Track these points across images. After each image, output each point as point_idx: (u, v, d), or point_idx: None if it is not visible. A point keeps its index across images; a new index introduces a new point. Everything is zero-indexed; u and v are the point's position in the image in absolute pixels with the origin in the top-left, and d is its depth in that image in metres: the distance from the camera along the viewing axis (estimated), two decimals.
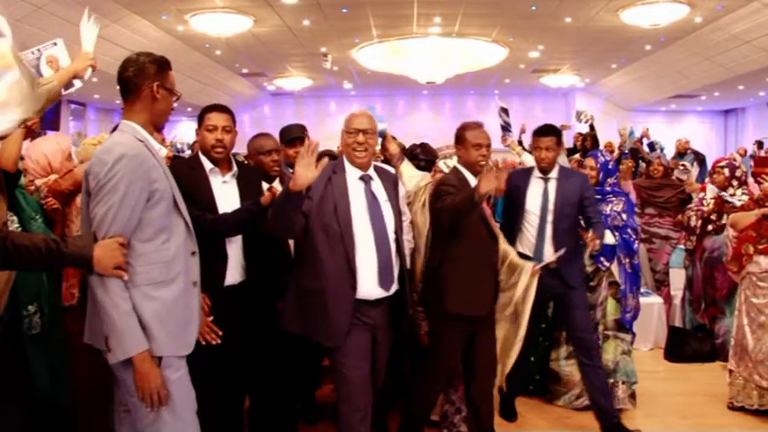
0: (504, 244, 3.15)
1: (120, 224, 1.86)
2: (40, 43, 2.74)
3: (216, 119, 2.70)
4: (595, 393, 3.38)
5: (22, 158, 2.75)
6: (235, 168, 2.75)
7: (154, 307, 1.91)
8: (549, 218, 3.38)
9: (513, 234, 3.43)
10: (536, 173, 3.49)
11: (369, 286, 2.54)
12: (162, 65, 2.05)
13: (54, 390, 2.57)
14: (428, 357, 3.05)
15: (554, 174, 3.45)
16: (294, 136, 3.31)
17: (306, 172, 2.25)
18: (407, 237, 3.29)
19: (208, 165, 2.69)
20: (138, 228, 1.90)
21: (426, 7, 9.91)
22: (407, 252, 2.97)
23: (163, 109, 2.07)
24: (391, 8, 9.90)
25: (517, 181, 3.51)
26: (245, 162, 3.11)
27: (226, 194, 2.68)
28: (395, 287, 2.63)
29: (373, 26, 11.02)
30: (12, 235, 1.81)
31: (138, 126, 2.00)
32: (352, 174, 2.64)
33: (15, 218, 2.53)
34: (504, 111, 5.74)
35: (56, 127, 12.75)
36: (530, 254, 3.37)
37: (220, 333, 2.27)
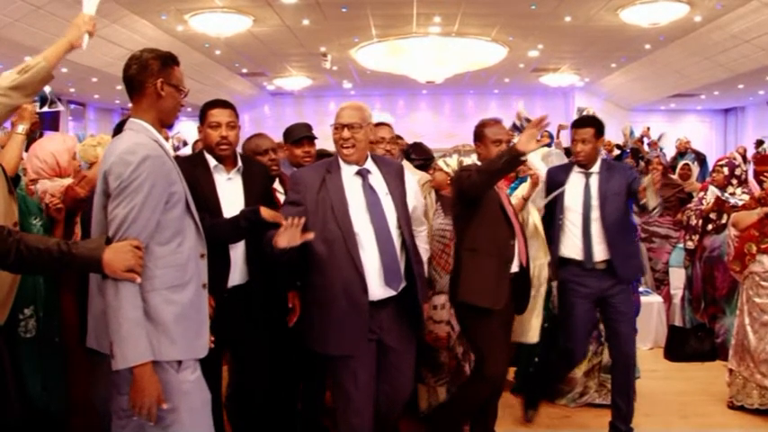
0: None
1: (140, 226, 1.82)
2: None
3: (219, 115, 2.65)
4: (618, 420, 3.27)
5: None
6: (239, 164, 2.69)
7: (174, 311, 1.87)
8: (595, 215, 3.18)
9: (555, 238, 3.28)
10: (576, 167, 3.30)
11: (375, 287, 2.44)
12: (166, 61, 1.99)
13: (46, 395, 2.55)
14: (477, 361, 2.97)
15: (596, 168, 3.25)
16: (302, 135, 3.24)
17: (290, 242, 2.21)
18: (425, 246, 3.20)
19: (212, 162, 2.64)
20: (156, 230, 1.86)
21: (426, 7, 9.90)
22: (423, 259, 2.88)
23: (170, 106, 2.01)
24: (391, 8, 9.90)
25: (555, 177, 3.34)
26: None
27: (230, 191, 2.63)
28: (403, 285, 2.52)
29: (373, 26, 11.01)
30: (25, 238, 1.78)
31: (148, 125, 1.96)
32: (347, 170, 2.52)
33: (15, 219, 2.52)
34: (528, 120, 5.76)
35: (55, 127, 12.73)
36: (576, 257, 3.21)
37: (213, 338, 2.24)
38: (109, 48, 10.35)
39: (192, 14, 9.88)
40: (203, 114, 2.68)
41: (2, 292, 2.29)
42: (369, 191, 2.50)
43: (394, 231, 2.50)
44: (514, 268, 2.96)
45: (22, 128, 2.65)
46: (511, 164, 2.63)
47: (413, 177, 3.32)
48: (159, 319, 1.84)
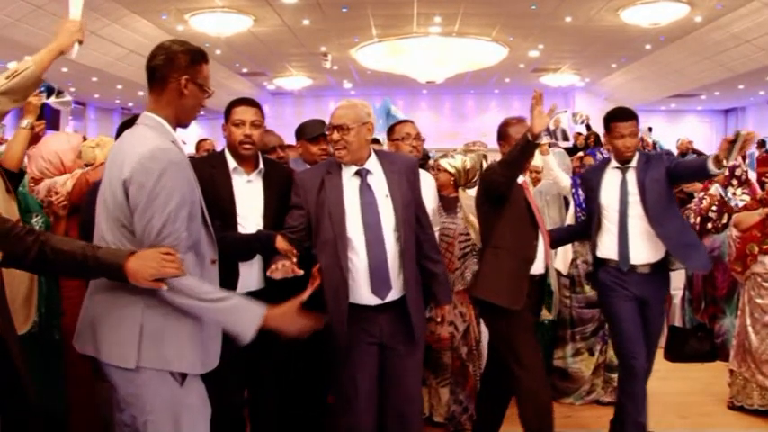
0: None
1: (178, 235, 1.73)
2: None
3: (244, 113, 2.55)
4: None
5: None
6: (261, 166, 2.60)
7: (192, 321, 1.81)
8: (634, 211, 2.95)
9: (593, 238, 3.09)
10: (612, 163, 3.07)
11: (364, 293, 2.37)
12: (195, 57, 1.87)
13: (47, 392, 2.55)
14: (512, 370, 2.81)
15: (633, 162, 3.01)
16: (319, 133, 3.12)
17: (284, 275, 2.20)
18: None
19: (232, 163, 2.56)
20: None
21: (426, 7, 9.91)
22: None
23: (190, 105, 1.88)
24: (391, 8, 9.90)
25: (590, 175, 3.19)
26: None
27: (249, 194, 2.54)
28: (395, 294, 2.40)
29: (373, 26, 11.01)
30: (51, 239, 1.70)
31: (165, 122, 1.84)
32: (347, 171, 2.44)
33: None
34: (564, 133, 5.72)
35: (56, 127, 12.73)
36: (614, 257, 3.00)
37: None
38: (109, 47, 10.36)
39: (193, 14, 9.88)
40: (228, 112, 2.61)
41: (19, 298, 2.28)
42: (365, 192, 2.42)
43: (390, 236, 2.40)
44: (540, 269, 2.89)
45: (26, 122, 2.63)
46: (527, 149, 2.57)
47: (430, 177, 3.25)
48: (173, 330, 1.78)
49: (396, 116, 3.94)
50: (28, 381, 1.69)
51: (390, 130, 3.30)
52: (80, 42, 2.27)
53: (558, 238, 3.37)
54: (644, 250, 2.96)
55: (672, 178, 2.95)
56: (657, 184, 2.92)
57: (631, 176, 2.99)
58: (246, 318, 1.79)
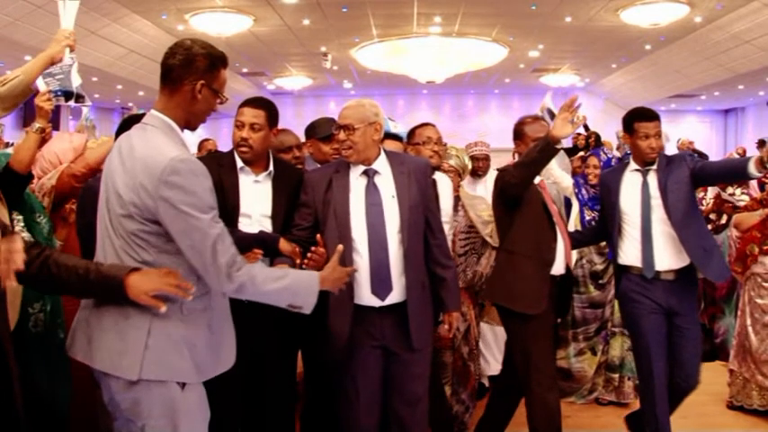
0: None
1: (223, 237, 1.70)
2: (40, 42, 2.70)
3: (245, 114, 2.48)
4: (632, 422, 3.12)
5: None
6: (271, 168, 2.55)
7: (204, 329, 1.79)
8: (657, 215, 2.81)
9: (614, 244, 2.97)
10: (632, 165, 2.93)
11: (365, 293, 2.36)
12: (215, 62, 1.78)
13: (52, 389, 2.55)
14: (524, 369, 2.74)
15: (653, 165, 2.87)
16: (331, 132, 3.02)
17: None
18: None
19: (239, 162, 2.51)
20: None
21: (426, 7, 9.91)
22: None
23: (202, 110, 1.81)
24: (391, 8, 9.90)
25: (607, 180, 3.04)
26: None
27: (256, 195, 2.50)
28: (396, 297, 2.37)
29: (373, 26, 11.01)
30: (55, 254, 1.67)
31: (174, 124, 1.77)
32: (354, 171, 2.42)
33: (21, 217, 2.51)
34: (551, 113, 5.65)
35: (56, 127, 12.72)
36: (637, 265, 2.86)
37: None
38: (109, 47, 10.37)
39: (193, 14, 9.89)
40: (237, 112, 2.58)
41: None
42: (371, 192, 2.39)
43: (394, 237, 2.37)
44: (560, 270, 2.82)
45: (36, 126, 2.62)
46: (546, 152, 2.50)
47: (447, 178, 3.20)
48: (183, 339, 1.73)
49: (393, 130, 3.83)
50: (18, 387, 1.67)
51: (411, 134, 3.22)
52: (71, 49, 2.29)
53: (577, 242, 3.24)
54: (668, 256, 2.82)
55: (699, 180, 2.85)
56: (680, 186, 2.80)
57: (653, 179, 2.86)
58: (307, 289, 1.82)
